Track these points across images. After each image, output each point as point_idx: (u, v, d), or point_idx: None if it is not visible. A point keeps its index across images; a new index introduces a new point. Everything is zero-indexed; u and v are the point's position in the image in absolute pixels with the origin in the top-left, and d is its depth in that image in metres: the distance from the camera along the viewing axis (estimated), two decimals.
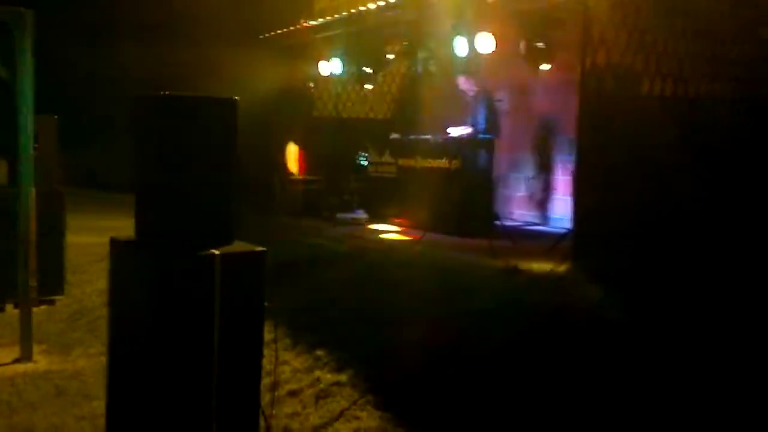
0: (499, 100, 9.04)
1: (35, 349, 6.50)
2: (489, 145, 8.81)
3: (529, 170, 10.16)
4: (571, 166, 8.12)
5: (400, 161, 9.79)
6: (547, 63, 8.26)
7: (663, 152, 6.47)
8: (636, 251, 6.09)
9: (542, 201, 9.94)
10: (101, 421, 3.92)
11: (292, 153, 11.82)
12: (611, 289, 5.36)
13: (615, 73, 6.44)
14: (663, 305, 5.13)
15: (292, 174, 11.61)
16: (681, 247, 6.25)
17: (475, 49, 8.32)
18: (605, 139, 6.42)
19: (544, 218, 9.81)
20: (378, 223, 9.80)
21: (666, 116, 6.59)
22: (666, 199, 6.46)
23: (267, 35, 11.79)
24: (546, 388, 4.41)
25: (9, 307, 7.71)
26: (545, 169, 9.84)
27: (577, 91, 6.49)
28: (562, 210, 9.27)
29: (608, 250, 6.13)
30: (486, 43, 8.17)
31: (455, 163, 8.77)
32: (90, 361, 6.17)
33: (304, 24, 11.62)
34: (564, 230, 7.43)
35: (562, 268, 6.15)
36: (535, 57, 8.21)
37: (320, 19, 11.53)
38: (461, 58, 8.69)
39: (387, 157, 10.08)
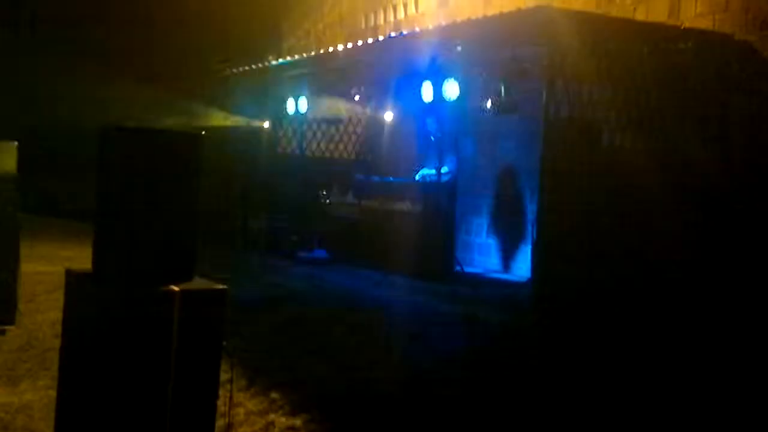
0: (462, 147, 9.16)
1: None
2: (451, 189, 8.91)
3: (490, 216, 10.27)
4: (532, 214, 8.24)
5: (363, 202, 9.83)
6: (512, 112, 8.44)
7: (625, 200, 6.62)
8: (597, 300, 6.18)
9: (505, 249, 10.03)
10: None
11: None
12: (571, 340, 5.41)
13: (577, 125, 6.60)
14: (622, 355, 5.20)
15: (254, 211, 11.56)
16: (643, 297, 6.36)
17: (441, 95, 8.46)
18: (567, 186, 6.54)
19: (507, 266, 9.88)
20: (339, 263, 9.79)
21: (626, 167, 6.76)
22: (629, 249, 6.58)
23: (234, 71, 11.83)
24: None
25: None
26: (509, 215, 9.95)
27: (541, 140, 6.64)
28: (524, 258, 9.36)
29: (569, 297, 6.21)
30: (452, 89, 8.32)
31: (417, 206, 8.84)
32: (38, 394, 5.97)
33: (272, 61, 11.70)
34: (524, 279, 7.52)
35: (522, 317, 6.21)
36: (499, 105, 8.38)
37: (288, 57, 11.63)
38: (427, 103, 8.83)
39: (350, 198, 10.12)
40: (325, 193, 10.81)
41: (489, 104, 8.48)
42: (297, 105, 11.01)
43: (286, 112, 11.28)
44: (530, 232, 8.94)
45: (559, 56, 6.67)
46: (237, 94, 11.91)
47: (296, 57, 11.20)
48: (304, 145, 12.24)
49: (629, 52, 7.28)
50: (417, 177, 9.10)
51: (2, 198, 7.66)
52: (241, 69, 11.65)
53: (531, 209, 8.89)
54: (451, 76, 8.25)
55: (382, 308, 6.72)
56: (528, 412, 4.67)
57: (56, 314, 6.98)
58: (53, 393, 3.79)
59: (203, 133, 3.76)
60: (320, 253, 10.34)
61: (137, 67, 14.81)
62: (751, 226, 6.88)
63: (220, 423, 3.89)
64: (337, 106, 11.12)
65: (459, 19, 9.56)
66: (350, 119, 12.22)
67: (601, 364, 5.14)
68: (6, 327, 8.02)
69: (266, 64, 11.55)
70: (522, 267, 9.33)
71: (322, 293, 7.52)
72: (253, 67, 11.43)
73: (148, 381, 3.41)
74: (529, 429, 4.50)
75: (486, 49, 8.24)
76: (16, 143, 8.46)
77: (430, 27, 9.70)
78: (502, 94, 8.28)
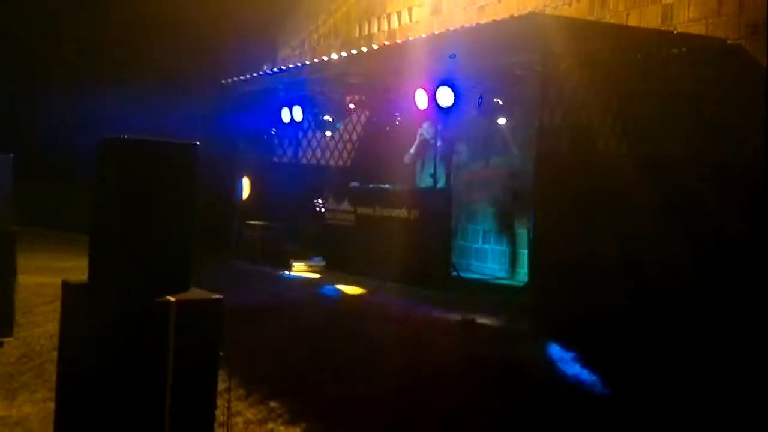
0: (457, 153, 9.18)
1: None
2: (447, 196, 8.93)
3: (487, 222, 10.30)
4: (528, 220, 8.26)
5: (359, 210, 9.84)
6: (504, 118, 8.47)
7: (620, 207, 6.64)
8: (593, 305, 6.19)
9: (502, 254, 10.05)
10: None
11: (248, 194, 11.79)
12: (568, 344, 5.42)
13: (571, 131, 6.62)
14: (621, 361, 5.21)
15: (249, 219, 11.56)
16: (640, 299, 6.37)
17: (436, 102, 8.48)
18: (561, 193, 6.57)
19: (505, 271, 9.89)
20: (335, 271, 9.78)
21: (622, 172, 6.77)
22: (624, 252, 6.59)
23: (229, 81, 11.86)
24: None
25: None
26: (505, 220, 9.98)
27: (535, 146, 6.66)
28: (520, 263, 9.38)
29: (566, 304, 6.22)
30: (446, 96, 8.35)
31: (413, 213, 8.85)
32: (36, 407, 5.98)
33: (267, 70, 11.73)
34: (521, 284, 7.53)
35: (519, 322, 6.21)
36: (492, 112, 8.41)
37: (283, 66, 11.65)
38: (421, 110, 8.85)
39: (346, 205, 10.12)
40: (320, 200, 10.81)
41: (483, 111, 8.51)
42: (292, 114, 11.03)
43: (282, 120, 11.30)
44: (526, 237, 8.97)
45: (552, 63, 6.70)
46: (232, 104, 11.92)
47: (290, 66, 11.23)
48: (300, 153, 12.27)
49: (622, 58, 7.32)
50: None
51: None
52: (236, 78, 11.68)
53: (527, 214, 8.91)
54: (445, 84, 8.28)
55: (380, 315, 6.72)
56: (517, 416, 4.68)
57: (54, 326, 6.97)
58: (51, 405, 3.79)
59: (198, 144, 3.77)
60: (316, 261, 10.34)
61: (133, 77, 14.83)
62: (743, 231, 6.90)
63: None
64: (332, 115, 11.14)
65: (452, 27, 9.62)
66: (345, 127, 12.24)
67: (596, 368, 5.15)
68: (4, 339, 8.01)
69: (261, 73, 11.58)
70: (519, 272, 9.35)
71: (318, 301, 7.52)
72: (249, 76, 11.46)
73: (146, 391, 3.41)
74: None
75: (479, 56, 8.28)
76: (11, 155, 8.48)
77: (424, 35, 9.75)
78: (496, 100, 8.31)
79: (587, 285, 6.34)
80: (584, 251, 6.48)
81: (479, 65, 8.49)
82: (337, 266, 9.89)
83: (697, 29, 7.79)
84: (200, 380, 3.58)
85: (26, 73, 16.47)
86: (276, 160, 12.10)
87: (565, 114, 6.65)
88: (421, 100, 8.72)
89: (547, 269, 6.57)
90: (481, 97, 8.38)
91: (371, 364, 5.55)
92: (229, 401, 4.34)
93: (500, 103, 8.33)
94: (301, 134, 12.16)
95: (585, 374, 5.05)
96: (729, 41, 7.49)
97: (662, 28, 8.03)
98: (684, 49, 7.56)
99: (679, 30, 7.89)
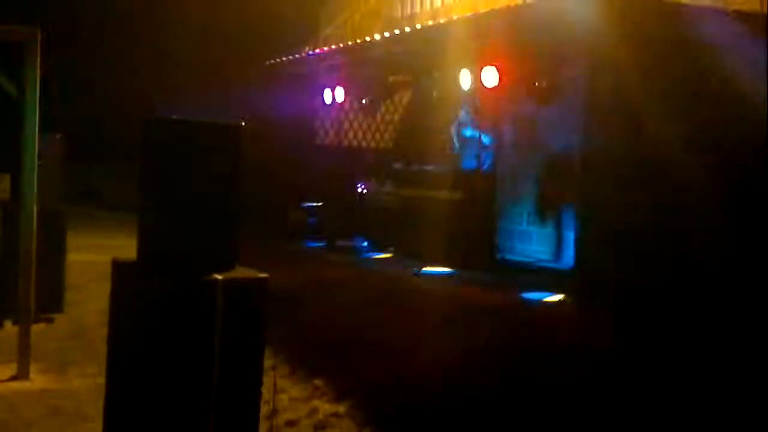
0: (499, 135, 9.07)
1: (32, 367, 6.45)
2: (491, 178, 8.85)
3: (532, 203, 10.17)
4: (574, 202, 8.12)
5: (402, 191, 9.82)
6: (552, 99, 8.31)
7: (669, 192, 6.47)
8: (640, 290, 6.07)
9: (547, 236, 9.91)
10: None
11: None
12: (614, 326, 5.35)
13: (621, 112, 6.45)
14: (667, 340, 5.12)
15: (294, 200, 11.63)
16: (688, 287, 6.24)
17: (480, 83, 8.39)
18: (611, 176, 6.42)
19: (549, 254, 9.77)
20: (378, 251, 9.81)
21: (671, 156, 6.60)
22: (673, 238, 6.44)
23: (272, 62, 11.89)
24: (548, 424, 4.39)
25: (8, 324, 7.68)
26: (550, 204, 9.83)
27: (582, 128, 6.54)
28: (566, 246, 9.24)
29: (612, 286, 6.12)
30: (490, 77, 8.25)
31: (457, 195, 8.79)
32: (86, 381, 6.11)
33: (309, 52, 11.74)
34: (567, 267, 7.44)
35: (565, 303, 6.14)
36: (538, 93, 8.28)
37: (325, 48, 11.64)
38: (465, 91, 8.77)
39: (388, 187, 10.12)
40: (363, 182, 10.82)
41: (529, 91, 8.38)
42: (334, 95, 11.03)
43: (324, 102, 11.31)
44: (573, 219, 8.84)
45: (602, 42, 6.52)
46: (275, 85, 11.97)
47: (333, 47, 11.21)
48: (342, 134, 12.28)
49: (678, 36, 7.09)
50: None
51: (49, 190, 7.82)
52: (279, 60, 11.71)
53: (573, 197, 8.78)
54: (490, 64, 8.17)
55: (423, 295, 6.71)
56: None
57: (103, 303, 7.09)
58: (101, 380, 3.86)
59: (242, 124, 3.80)
60: (359, 242, 10.38)
61: (178, 58, 15.00)
62: None
63: (264, 409, 3.93)
64: (374, 96, 11.11)
65: (498, 6, 9.47)
66: (387, 108, 12.20)
67: (642, 354, 5.07)
68: (54, 315, 8.23)
69: (303, 54, 11.59)
70: (565, 255, 9.23)
71: (361, 281, 7.55)
72: (291, 58, 11.48)
73: (193, 368, 3.46)
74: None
75: (527, 35, 8.12)
76: (60, 135, 8.66)
77: (468, 14, 9.63)
78: (542, 81, 8.17)
79: (636, 267, 6.22)
80: (633, 233, 6.34)
81: (525, 46, 8.34)
82: (380, 247, 9.91)
83: (754, 6, 7.55)
84: (246, 358, 3.62)
85: (75, 53, 16.76)
86: (318, 142, 12.13)
87: (615, 94, 6.49)
88: (465, 80, 8.63)
89: (594, 252, 6.45)
90: (527, 77, 8.25)
91: (416, 344, 5.55)
92: (274, 378, 4.37)
93: (547, 83, 8.19)
94: (343, 116, 12.16)
95: (630, 354, 4.98)
96: None
97: (717, 5, 7.79)
98: (744, 26, 7.29)
99: (735, 8, 7.65)
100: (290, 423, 4.80)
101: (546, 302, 6.19)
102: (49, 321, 8.10)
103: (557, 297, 6.28)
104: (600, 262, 6.37)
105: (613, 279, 6.20)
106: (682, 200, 6.62)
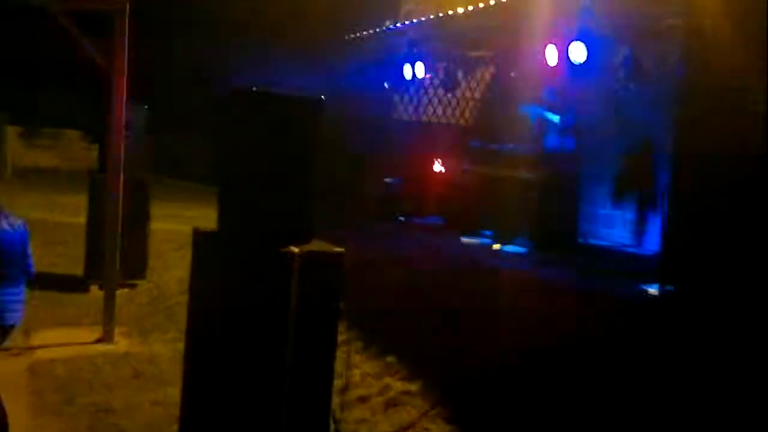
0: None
1: (116, 331, 6.70)
2: (574, 158, 8.58)
3: (616, 186, 9.79)
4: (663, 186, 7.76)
5: (480, 169, 9.64)
6: (644, 76, 7.92)
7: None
8: (731, 275, 5.74)
9: (631, 221, 9.56)
10: (174, 410, 3.96)
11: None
12: (704, 316, 5.10)
13: (719, 92, 6.06)
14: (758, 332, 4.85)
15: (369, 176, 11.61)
16: None
17: (567, 59, 8.10)
18: (705, 159, 6.05)
19: (633, 239, 9.43)
20: (454, 230, 9.69)
21: None
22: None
23: (353, 36, 11.84)
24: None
25: (94, 289, 7.98)
26: (636, 185, 9.44)
27: (676, 108, 6.19)
28: (652, 232, 8.87)
29: (700, 275, 5.81)
30: (579, 52, 7.95)
31: (538, 175, 8.56)
32: (166, 346, 6.30)
33: (390, 26, 11.62)
34: (652, 253, 7.14)
35: (647, 292, 5.89)
36: (631, 69, 7.91)
37: (406, 22, 11.50)
38: (550, 67, 8.49)
39: (466, 165, 9.96)
40: (440, 159, 10.70)
41: (619, 67, 8.03)
42: (414, 70, 10.90)
43: (404, 77, 11.20)
44: (660, 204, 8.48)
45: (700, 16, 6.13)
46: (355, 60, 11.93)
47: (414, 21, 11.07)
48: (421, 110, 12.15)
49: None
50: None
51: (135, 160, 8.03)
52: (359, 34, 11.65)
53: (661, 180, 8.41)
54: (579, 39, 7.86)
55: (499, 275, 6.58)
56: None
57: (183, 271, 7.31)
58: (180, 345, 3.94)
59: (323, 98, 3.77)
60: (435, 220, 10.28)
61: (260, 32, 15.15)
62: None
63: (336, 383, 3.93)
64: (455, 72, 10.92)
65: None
66: (468, 84, 11.99)
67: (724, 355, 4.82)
68: (137, 281, 8.51)
69: (384, 29, 11.49)
70: (650, 241, 8.88)
71: (436, 259, 7.47)
72: (371, 32, 11.40)
73: (269, 338, 3.48)
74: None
75: (620, 7, 7.74)
76: (146, 107, 8.87)
77: None
78: (634, 57, 7.79)
79: (728, 255, 5.89)
80: (726, 221, 5.99)
81: (619, 17, 7.93)
82: (456, 225, 9.78)
83: None
84: (321, 330, 3.62)
85: (161, 27, 17.15)
86: (397, 117, 12.05)
87: (712, 72, 6.11)
88: (551, 56, 8.36)
89: (682, 239, 6.13)
90: (618, 53, 7.88)
91: (488, 325, 5.44)
92: (348, 353, 4.37)
93: (639, 59, 7.81)
94: (422, 91, 12.02)
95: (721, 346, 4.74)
96: None
97: None
98: None
99: None
100: (362, 399, 4.80)
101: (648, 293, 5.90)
102: (133, 287, 8.38)
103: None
104: (688, 251, 6.03)
105: (701, 268, 5.88)
106: None
